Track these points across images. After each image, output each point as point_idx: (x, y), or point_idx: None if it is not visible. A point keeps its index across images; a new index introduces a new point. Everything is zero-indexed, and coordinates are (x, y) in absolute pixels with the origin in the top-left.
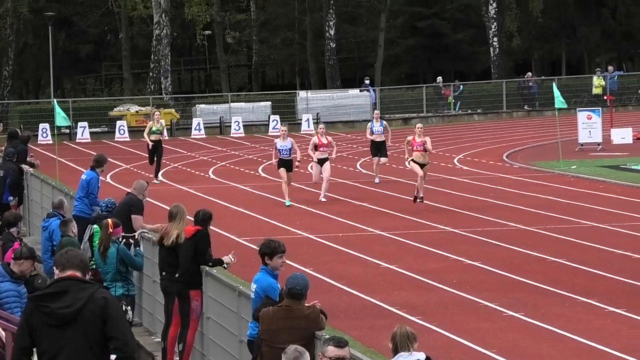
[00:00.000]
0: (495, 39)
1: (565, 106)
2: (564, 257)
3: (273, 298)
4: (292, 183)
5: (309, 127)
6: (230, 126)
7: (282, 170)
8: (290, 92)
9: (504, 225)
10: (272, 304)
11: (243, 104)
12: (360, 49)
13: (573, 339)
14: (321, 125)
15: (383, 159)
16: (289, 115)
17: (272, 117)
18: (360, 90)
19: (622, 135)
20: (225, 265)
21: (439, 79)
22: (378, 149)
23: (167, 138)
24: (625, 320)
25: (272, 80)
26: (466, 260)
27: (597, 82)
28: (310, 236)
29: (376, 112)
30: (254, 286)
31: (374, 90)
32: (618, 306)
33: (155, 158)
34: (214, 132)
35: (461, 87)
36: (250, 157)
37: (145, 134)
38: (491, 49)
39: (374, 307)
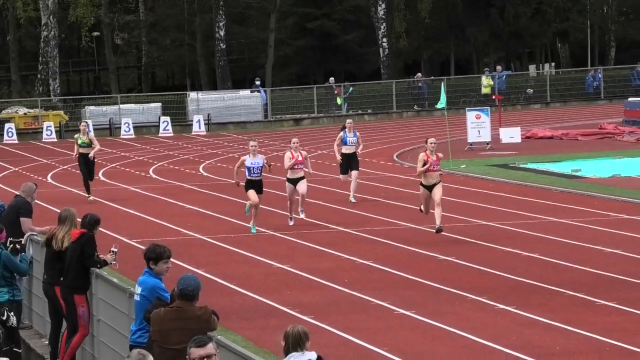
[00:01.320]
0: (384, 39)
1: (444, 105)
2: (453, 255)
3: (162, 297)
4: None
5: (199, 128)
6: (120, 127)
7: (252, 192)
8: (181, 93)
9: (394, 224)
10: (164, 305)
11: (133, 105)
12: (250, 49)
13: (463, 336)
14: (294, 140)
15: (355, 172)
16: (179, 116)
17: (163, 118)
18: (251, 91)
19: (510, 135)
20: (112, 262)
21: (332, 79)
22: (349, 163)
23: (97, 148)
24: (515, 317)
25: (162, 82)
26: (357, 260)
27: (486, 82)
28: (202, 237)
29: (349, 121)
30: (139, 289)
31: (264, 91)
32: (508, 303)
33: (87, 172)
34: (104, 134)
35: (351, 88)
36: (140, 158)
37: (75, 147)
38: (381, 50)
39: (266, 307)
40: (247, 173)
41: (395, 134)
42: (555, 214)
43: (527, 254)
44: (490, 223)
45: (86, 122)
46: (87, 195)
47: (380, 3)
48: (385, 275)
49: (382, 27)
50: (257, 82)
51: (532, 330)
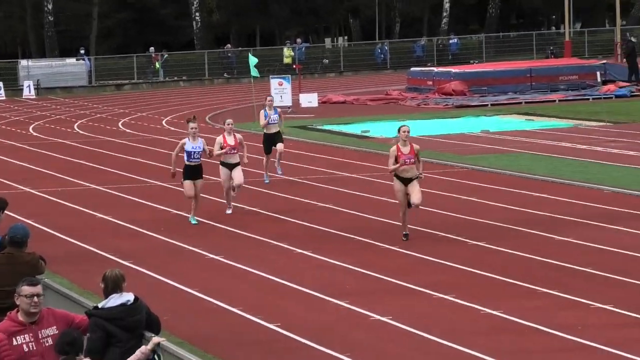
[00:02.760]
0: (197, 14)
1: (258, 75)
2: (258, 206)
3: None
4: None
5: (30, 92)
6: None
7: (188, 183)
8: (12, 60)
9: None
10: None
11: None
12: (76, 22)
13: (264, 276)
14: (229, 120)
15: (280, 145)
16: (11, 82)
17: None
18: (77, 59)
19: (309, 100)
20: None
21: (152, 49)
22: (273, 140)
23: None
24: (315, 261)
25: None
26: (173, 210)
27: (287, 53)
28: (32, 190)
29: (269, 97)
30: None
31: (89, 59)
32: (307, 249)
33: None
34: None
35: (165, 55)
36: None
37: None
38: (194, 23)
39: (89, 254)
40: (185, 158)
41: (207, 99)
42: (347, 169)
43: (322, 204)
44: (291, 178)
45: None
46: None
47: None
48: (199, 225)
49: (195, 2)
50: (82, 51)
51: (326, 271)
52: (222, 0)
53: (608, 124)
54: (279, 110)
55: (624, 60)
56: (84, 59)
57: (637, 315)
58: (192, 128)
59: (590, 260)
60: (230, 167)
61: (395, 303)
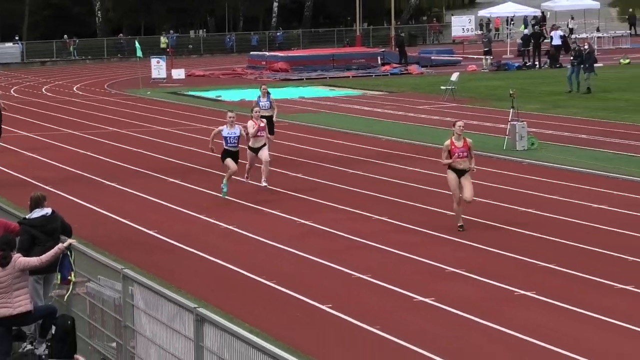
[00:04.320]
0: (99, 12)
1: (141, 56)
2: (116, 158)
3: None
4: None
5: None
6: None
7: (230, 161)
8: None
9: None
10: None
11: None
12: (12, 16)
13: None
14: (256, 109)
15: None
16: None
17: None
18: (13, 44)
19: (178, 74)
20: None
21: (65, 36)
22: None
23: None
24: (145, 201)
25: None
26: (88, 153)
27: (163, 40)
28: None
29: (263, 86)
30: None
31: (21, 43)
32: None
33: None
34: None
35: (77, 41)
36: None
37: None
38: (97, 19)
39: (23, 182)
40: (224, 143)
41: (106, 73)
42: (202, 122)
43: (177, 144)
44: (164, 128)
45: None
46: None
47: None
48: (103, 162)
49: (97, 4)
50: (17, 38)
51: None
52: (117, 3)
53: (385, 93)
54: (272, 96)
55: (396, 49)
56: (17, 44)
57: (407, 225)
58: (230, 117)
59: (372, 187)
60: (257, 150)
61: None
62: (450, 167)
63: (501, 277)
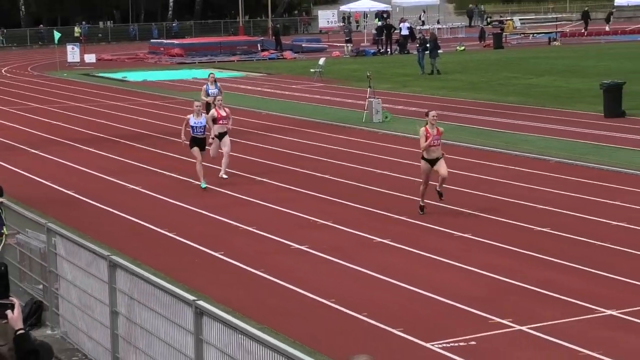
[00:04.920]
0: (23, 7)
1: (59, 43)
2: (38, 129)
3: None
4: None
5: None
6: None
7: (196, 150)
8: None
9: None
10: None
11: None
12: None
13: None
14: (219, 97)
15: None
16: None
17: None
18: None
19: (90, 58)
20: None
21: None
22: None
23: None
24: (52, 161)
25: None
26: (15, 125)
27: (77, 30)
28: None
29: (211, 73)
30: None
31: None
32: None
33: None
34: None
35: (5, 31)
36: None
37: None
38: (20, 12)
39: None
40: (191, 131)
41: (30, 57)
42: (111, 99)
43: (95, 120)
44: (78, 104)
45: None
46: None
47: None
48: (27, 133)
49: (21, 0)
50: None
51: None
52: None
53: (264, 74)
54: (219, 85)
55: (273, 37)
56: None
57: (284, 185)
58: (196, 106)
59: (256, 154)
60: (220, 136)
61: None
62: (423, 157)
63: (362, 228)
